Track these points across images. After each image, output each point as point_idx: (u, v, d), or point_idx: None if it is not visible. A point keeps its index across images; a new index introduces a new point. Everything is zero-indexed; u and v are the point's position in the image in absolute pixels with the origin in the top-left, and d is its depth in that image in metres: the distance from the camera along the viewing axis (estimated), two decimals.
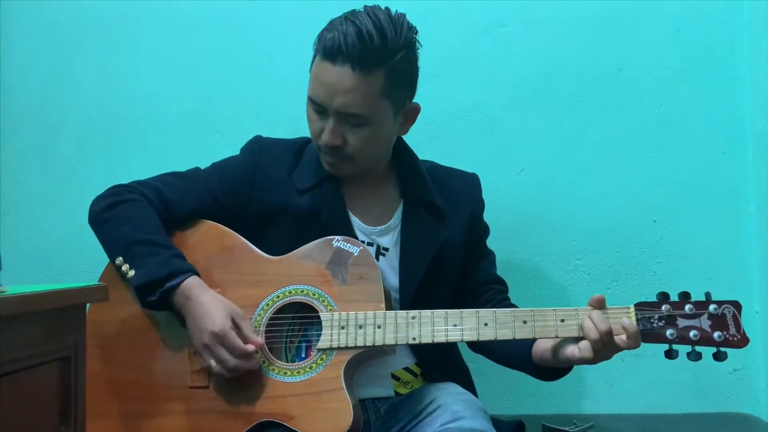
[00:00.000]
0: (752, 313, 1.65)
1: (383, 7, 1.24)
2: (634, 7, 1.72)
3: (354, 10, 1.25)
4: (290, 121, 1.68)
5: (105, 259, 1.27)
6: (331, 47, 1.20)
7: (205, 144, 1.74)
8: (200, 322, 1.16)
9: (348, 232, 1.28)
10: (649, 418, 1.64)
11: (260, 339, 1.19)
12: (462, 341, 1.19)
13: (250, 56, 1.78)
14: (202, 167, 1.38)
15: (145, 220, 1.25)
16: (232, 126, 1.74)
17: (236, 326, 1.17)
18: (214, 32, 1.78)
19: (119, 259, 1.22)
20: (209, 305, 1.17)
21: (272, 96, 1.76)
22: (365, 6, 1.25)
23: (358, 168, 1.31)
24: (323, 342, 1.18)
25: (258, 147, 1.37)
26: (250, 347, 1.16)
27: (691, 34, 1.72)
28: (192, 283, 1.19)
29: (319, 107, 1.24)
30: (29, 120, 1.79)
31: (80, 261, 1.73)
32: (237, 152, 1.39)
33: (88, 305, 1.03)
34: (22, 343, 0.85)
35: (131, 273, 1.20)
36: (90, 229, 1.29)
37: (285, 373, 1.19)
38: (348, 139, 1.25)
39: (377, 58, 1.20)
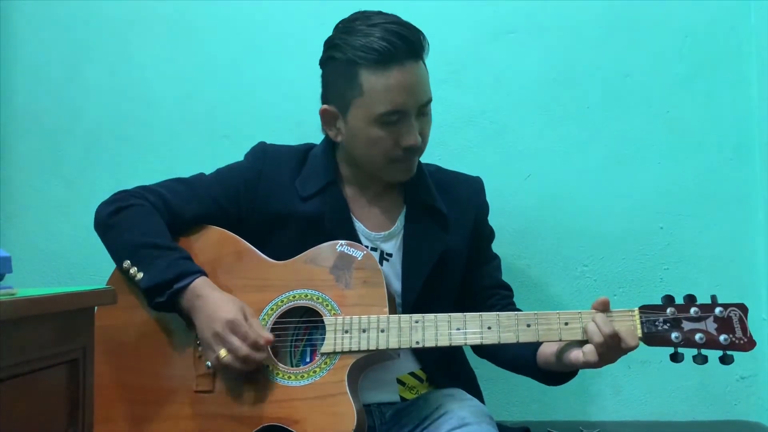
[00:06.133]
0: (760, 320, 1.64)
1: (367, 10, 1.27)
2: (641, 13, 1.72)
3: (354, 19, 1.26)
4: (298, 126, 1.69)
5: (113, 264, 1.28)
6: (387, 51, 1.20)
7: (213, 149, 1.75)
8: (213, 313, 1.17)
9: (352, 237, 1.28)
10: (655, 425, 1.63)
11: (270, 336, 1.18)
12: (465, 345, 1.19)
13: (258, 61, 1.78)
14: (208, 172, 1.38)
15: (150, 225, 1.26)
16: (239, 131, 1.75)
17: (247, 321, 1.17)
18: (223, 37, 1.79)
19: (127, 263, 1.23)
20: (222, 298, 1.19)
21: (280, 101, 1.76)
22: (357, 13, 1.27)
23: (418, 160, 1.33)
24: (327, 346, 1.18)
25: (262, 153, 1.37)
26: (262, 338, 1.16)
27: (699, 40, 1.71)
28: (202, 282, 1.20)
29: (399, 115, 1.23)
30: (38, 124, 1.80)
31: (88, 264, 1.74)
32: (243, 158, 1.39)
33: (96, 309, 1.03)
34: (31, 346, 0.86)
35: (140, 275, 1.21)
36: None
37: (289, 377, 1.19)
38: (423, 132, 1.28)
39: (422, 44, 1.25)
